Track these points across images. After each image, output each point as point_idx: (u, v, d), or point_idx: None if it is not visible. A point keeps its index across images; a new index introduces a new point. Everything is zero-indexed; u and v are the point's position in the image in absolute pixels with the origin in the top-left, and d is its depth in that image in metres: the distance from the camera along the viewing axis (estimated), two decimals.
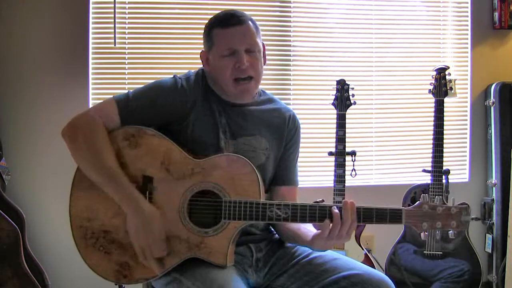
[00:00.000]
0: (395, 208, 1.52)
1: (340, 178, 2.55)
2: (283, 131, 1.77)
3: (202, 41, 1.74)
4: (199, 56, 1.73)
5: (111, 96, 1.65)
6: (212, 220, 1.56)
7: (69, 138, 1.58)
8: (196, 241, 1.55)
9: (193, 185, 1.56)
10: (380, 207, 1.52)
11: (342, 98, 2.57)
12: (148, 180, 1.57)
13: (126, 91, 1.66)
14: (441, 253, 2.69)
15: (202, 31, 2.84)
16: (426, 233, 1.52)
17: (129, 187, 1.54)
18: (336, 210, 1.50)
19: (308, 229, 1.65)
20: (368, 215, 1.52)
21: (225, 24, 1.64)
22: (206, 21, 1.73)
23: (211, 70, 1.68)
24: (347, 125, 2.57)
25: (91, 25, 2.80)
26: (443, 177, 2.63)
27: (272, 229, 1.80)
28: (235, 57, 1.63)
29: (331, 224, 1.50)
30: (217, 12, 1.74)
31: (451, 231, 1.52)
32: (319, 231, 1.53)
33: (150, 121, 1.62)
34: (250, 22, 1.66)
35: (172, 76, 1.69)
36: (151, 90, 1.66)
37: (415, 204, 1.53)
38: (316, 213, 1.53)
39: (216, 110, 1.68)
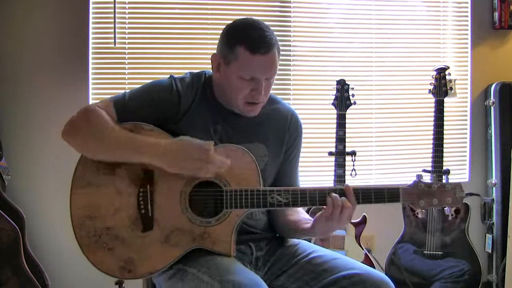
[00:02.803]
0: (393, 187, 1.56)
1: (340, 178, 2.55)
2: (284, 136, 1.76)
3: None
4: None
5: (109, 97, 1.66)
6: (213, 210, 1.58)
7: (70, 133, 1.57)
8: (200, 232, 1.55)
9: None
10: (377, 187, 1.57)
11: (342, 98, 2.58)
12: (149, 174, 1.57)
13: (123, 92, 1.66)
14: (441, 253, 2.70)
15: (202, 31, 2.86)
16: (423, 210, 1.57)
17: (145, 140, 1.53)
18: (335, 194, 1.53)
19: (308, 217, 1.69)
20: (367, 196, 1.55)
21: (255, 49, 1.55)
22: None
23: (221, 79, 1.64)
24: (347, 125, 2.58)
25: (91, 25, 2.80)
26: (443, 177, 2.63)
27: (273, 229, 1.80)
28: (253, 83, 1.59)
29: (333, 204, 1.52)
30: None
31: (447, 208, 1.56)
32: (321, 212, 1.55)
33: (145, 120, 1.61)
34: (276, 49, 1.60)
35: (169, 76, 1.69)
36: (146, 90, 1.65)
37: (411, 182, 1.57)
38: (316, 196, 1.55)
39: (212, 117, 1.67)
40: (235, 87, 1.61)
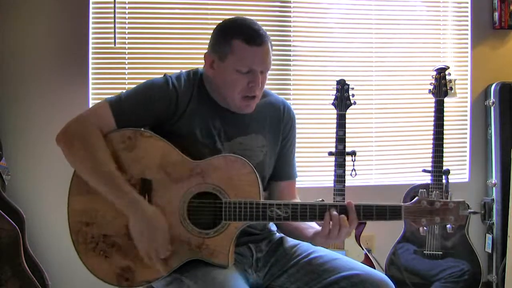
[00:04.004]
0: (395, 205, 1.54)
1: (340, 178, 2.55)
2: (279, 126, 1.77)
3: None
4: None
5: (104, 99, 1.64)
6: (212, 221, 1.56)
7: (64, 145, 1.57)
8: (197, 243, 1.55)
9: (192, 186, 1.56)
10: (379, 204, 1.54)
11: (342, 98, 2.57)
12: (147, 183, 1.56)
13: (119, 93, 1.65)
14: (441, 253, 2.70)
15: (202, 31, 2.85)
16: (425, 228, 1.55)
17: (128, 190, 1.52)
18: (335, 213, 1.52)
19: (310, 225, 1.67)
20: (368, 213, 1.54)
21: (251, 41, 1.58)
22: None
23: (216, 76, 1.65)
24: (347, 125, 2.57)
25: (91, 25, 2.80)
26: (443, 177, 2.63)
27: (272, 229, 1.80)
28: (251, 75, 1.60)
29: (331, 222, 1.51)
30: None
31: (449, 225, 1.55)
32: (319, 229, 1.55)
33: (143, 121, 1.61)
34: (269, 42, 1.63)
35: (163, 75, 1.68)
36: (142, 90, 1.65)
37: (414, 200, 1.55)
38: (316, 211, 1.54)
39: (209, 113, 1.67)
40: (232, 82, 1.61)
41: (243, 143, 1.65)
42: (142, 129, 1.62)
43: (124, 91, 1.66)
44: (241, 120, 1.70)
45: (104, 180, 1.53)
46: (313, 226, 1.65)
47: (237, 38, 1.58)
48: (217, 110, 1.68)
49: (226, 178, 1.56)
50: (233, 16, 1.70)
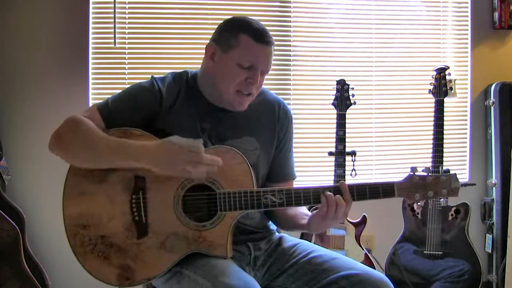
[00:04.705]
0: (387, 182, 1.57)
1: (340, 178, 2.55)
2: (274, 127, 1.77)
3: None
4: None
5: (92, 104, 1.68)
6: (207, 213, 1.57)
7: (56, 143, 1.57)
8: (195, 236, 1.55)
9: (185, 180, 1.56)
10: (372, 182, 1.57)
11: (342, 98, 2.58)
12: (141, 180, 1.56)
13: (107, 98, 1.67)
14: (441, 253, 2.70)
15: (202, 31, 2.86)
16: (419, 203, 1.56)
17: (137, 143, 1.52)
18: (329, 193, 1.53)
19: (305, 212, 1.70)
20: (362, 192, 1.55)
21: (259, 38, 1.60)
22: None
23: (214, 68, 1.65)
24: (347, 125, 2.58)
25: (91, 25, 2.81)
26: None
27: (271, 228, 1.81)
28: (251, 72, 1.61)
29: (327, 203, 1.53)
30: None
31: (442, 199, 1.56)
32: (316, 211, 1.56)
33: (131, 121, 1.61)
34: (273, 45, 1.65)
35: (150, 77, 1.70)
36: (128, 92, 1.67)
37: (406, 176, 1.57)
38: (310, 195, 1.55)
39: (198, 114, 1.67)
40: (231, 74, 1.61)
41: (236, 146, 1.62)
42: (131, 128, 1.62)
43: (110, 96, 1.68)
44: (235, 120, 1.69)
45: (114, 150, 1.52)
46: (309, 214, 1.66)
47: (245, 33, 1.60)
48: (209, 111, 1.68)
49: (219, 169, 1.56)
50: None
